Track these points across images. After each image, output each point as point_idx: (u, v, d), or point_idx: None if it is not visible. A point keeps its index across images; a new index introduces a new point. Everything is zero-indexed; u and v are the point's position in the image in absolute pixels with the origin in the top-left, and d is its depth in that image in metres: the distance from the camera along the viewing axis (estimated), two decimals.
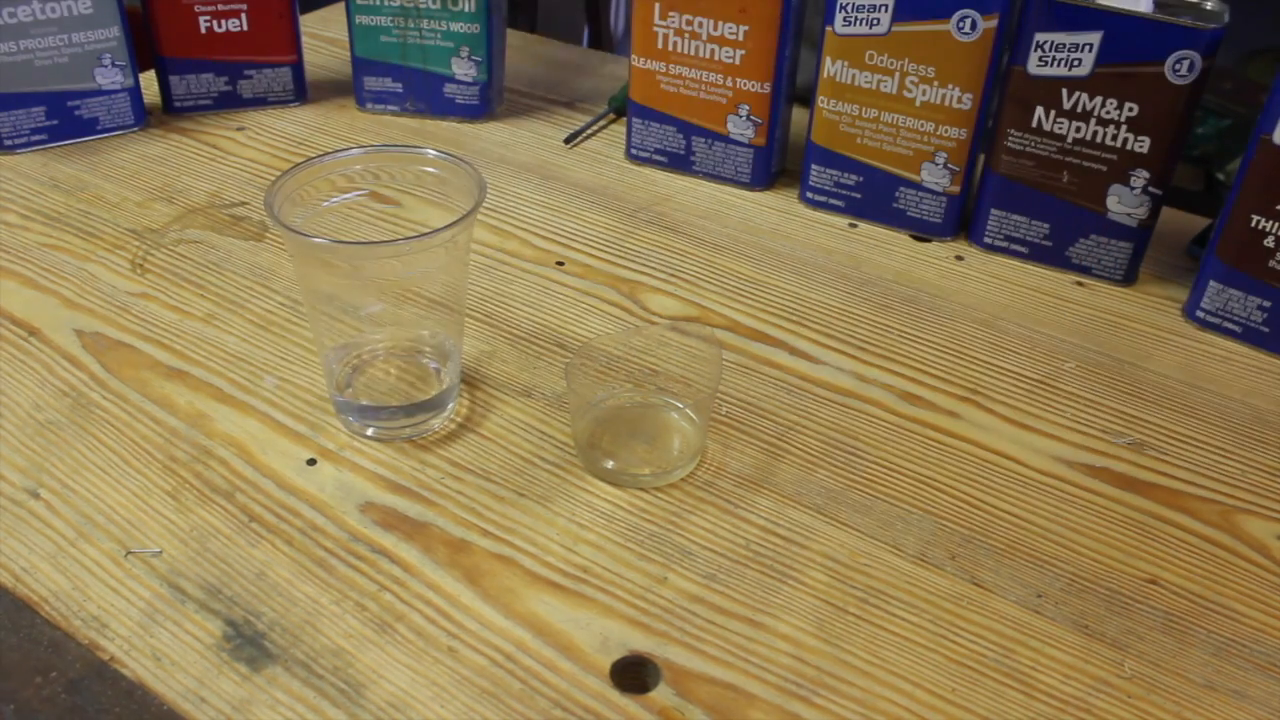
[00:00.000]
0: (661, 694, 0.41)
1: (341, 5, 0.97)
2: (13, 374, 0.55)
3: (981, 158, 0.68)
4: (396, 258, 0.48)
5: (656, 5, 0.71)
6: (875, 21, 0.65)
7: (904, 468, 0.52)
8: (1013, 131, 0.65)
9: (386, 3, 0.79)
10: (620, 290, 0.64)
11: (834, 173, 0.72)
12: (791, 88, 0.73)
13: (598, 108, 0.87)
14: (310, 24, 1.01)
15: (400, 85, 0.82)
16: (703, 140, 0.75)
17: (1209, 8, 0.59)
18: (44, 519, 0.47)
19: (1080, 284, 0.67)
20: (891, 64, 0.66)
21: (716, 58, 0.71)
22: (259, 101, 0.83)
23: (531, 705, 0.40)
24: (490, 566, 0.45)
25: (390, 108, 0.84)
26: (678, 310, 0.63)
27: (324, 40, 0.97)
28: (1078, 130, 0.63)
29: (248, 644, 0.42)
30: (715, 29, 0.70)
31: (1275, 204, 0.58)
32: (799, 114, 0.76)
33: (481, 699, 0.40)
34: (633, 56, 0.74)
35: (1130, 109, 0.61)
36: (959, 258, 0.69)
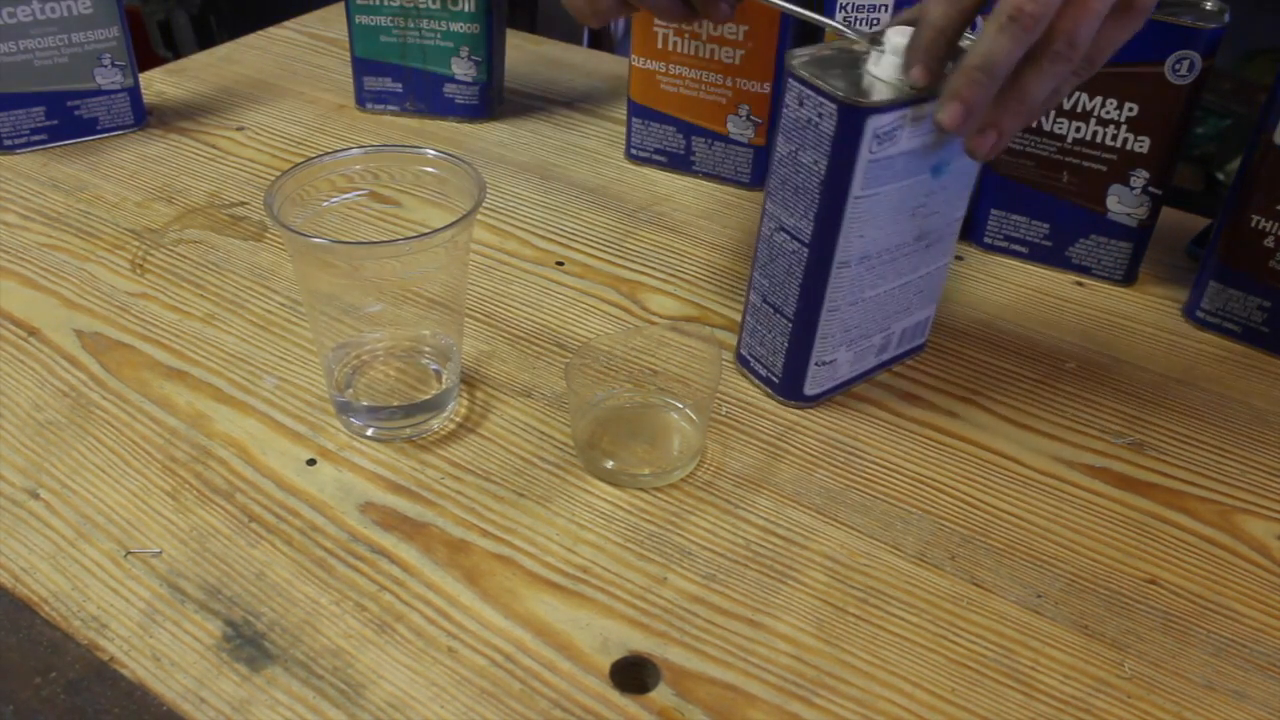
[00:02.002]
0: (661, 694, 0.41)
1: (341, 5, 0.97)
2: (13, 374, 0.55)
3: None
4: (396, 258, 0.48)
5: None
6: (875, 22, 0.65)
7: (904, 468, 0.52)
8: None
9: (386, 3, 0.79)
10: (620, 290, 0.64)
11: None
12: None
13: (598, 108, 0.87)
14: (310, 24, 1.01)
15: (400, 85, 0.82)
16: (703, 140, 0.75)
17: (1209, 8, 0.59)
18: (44, 519, 0.47)
19: (1080, 284, 0.67)
20: None
21: (716, 58, 0.71)
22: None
23: (531, 705, 0.40)
24: (490, 567, 0.45)
25: (390, 108, 0.84)
26: (678, 310, 0.63)
27: (324, 40, 0.97)
28: (1078, 130, 0.63)
29: (247, 644, 0.42)
30: (715, 29, 0.70)
31: (1275, 204, 0.58)
32: None
33: (481, 699, 0.40)
34: (633, 56, 0.74)
35: (1130, 109, 0.61)
36: (959, 258, 0.69)
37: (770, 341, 0.54)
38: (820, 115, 0.47)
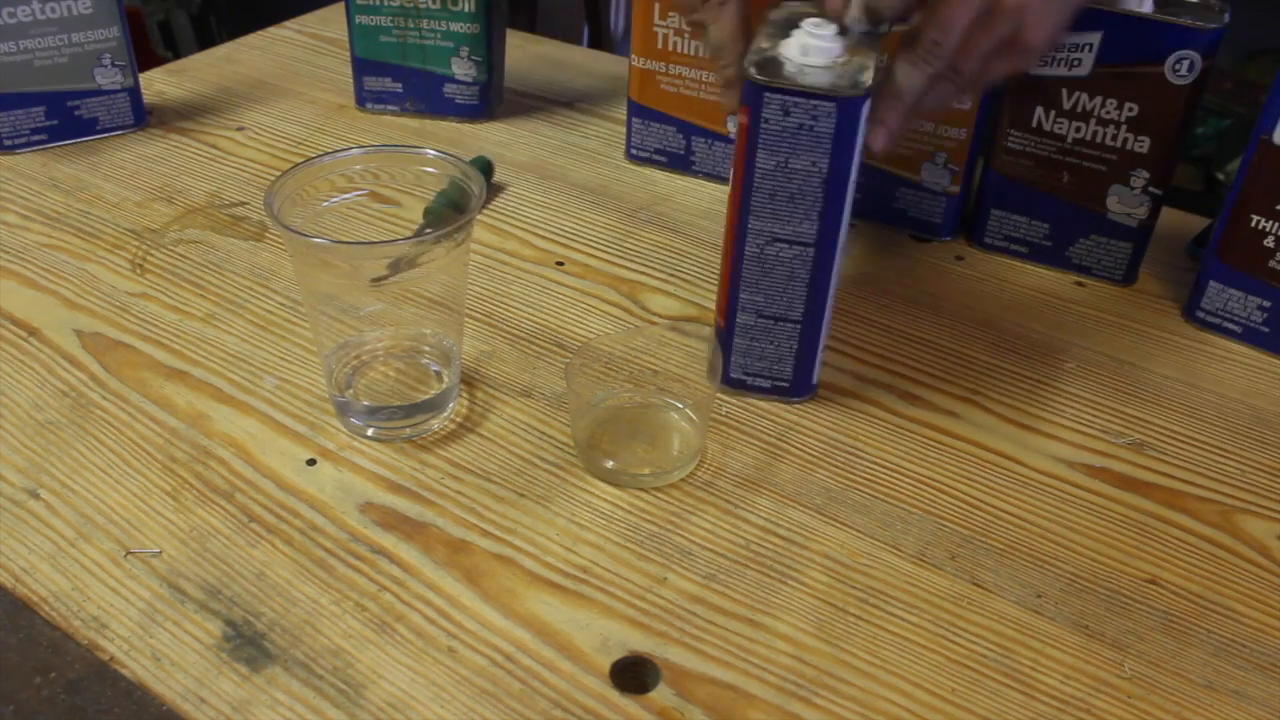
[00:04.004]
0: (661, 694, 0.41)
1: (341, 5, 0.97)
2: (13, 374, 0.55)
3: (981, 158, 0.68)
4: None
5: (656, 5, 0.71)
6: None
7: (904, 468, 0.52)
8: (1013, 131, 0.65)
9: (386, 3, 0.79)
10: (620, 290, 0.64)
11: None
12: None
13: (598, 108, 0.87)
14: (310, 24, 1.01)
15: (400, 85, 0.82)
16: (703, 140, 0.75)
17: (1209, 8, 0.59)
18: (44, 519, 0.47)
19: (1080, 284, 0.67)
20: None
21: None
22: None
23: (531, 705, 0.40)
24: (490, 566, 0.45)
25: (390, 108, 0.84)
26: (678, 310, 0.63)
27: (324, 40, 0.97)
28: (1078, 130, 0.63)
29: (247, 644, 0.42)
30: None
31: (1275, 204, 0.58)
32: None
33: (481, 699, 0.40)
34: (633, 56, 0.74)
35: (1130, 109, 0.61)
36: (959, 258, 0.69)
37: (774, 352, 0.54)
38: (815, 118, 0.46)
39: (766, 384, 0.55)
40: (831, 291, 0.52)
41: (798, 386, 0.55)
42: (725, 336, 0.54)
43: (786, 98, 0.47)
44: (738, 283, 0.52)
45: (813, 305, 0.52)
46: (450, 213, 0.51)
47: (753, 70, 0.47)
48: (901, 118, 0.51)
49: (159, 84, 0.87)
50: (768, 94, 0.47)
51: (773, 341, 0.54)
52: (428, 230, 0.47)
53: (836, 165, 0.48)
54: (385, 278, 0.49)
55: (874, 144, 0.49)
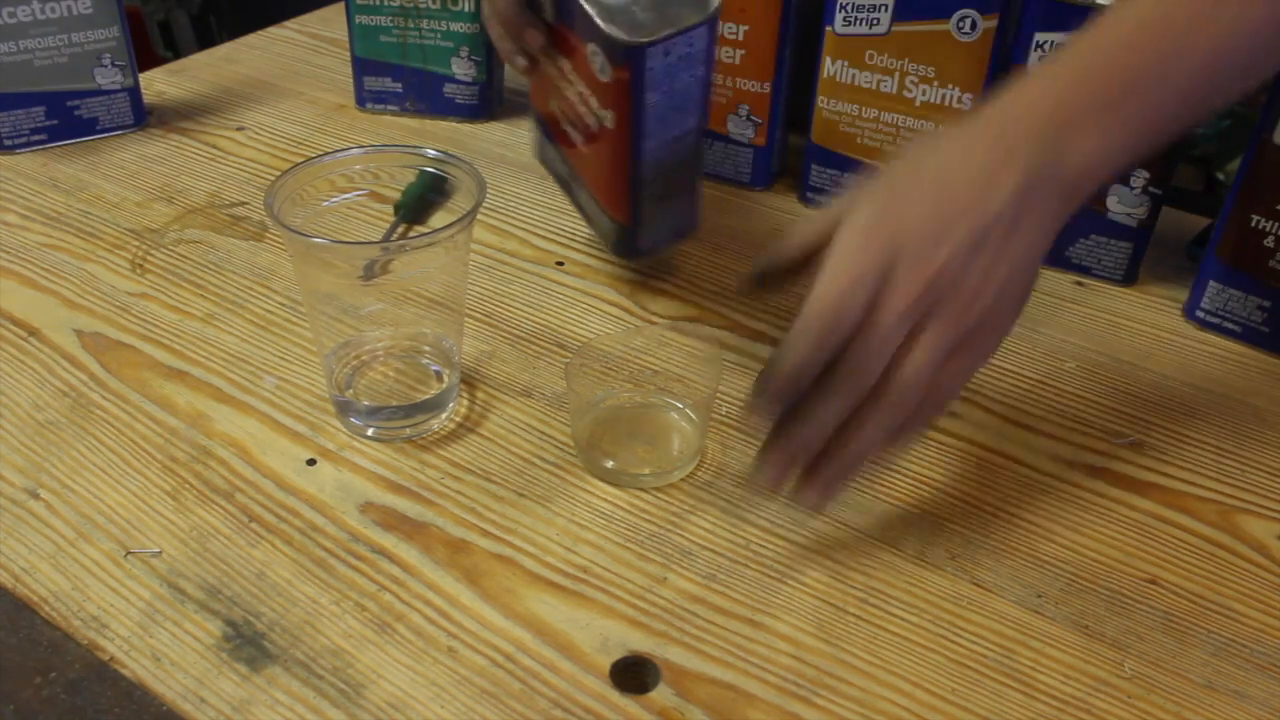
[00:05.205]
0: (661, 694, 0.41)
1: (341, 5, 0.97)
2: (13, 374, 0.55)
3: None
4: (396, 257, 0.48)
5: None
6: (875, 21, 0.65)
7: (904, 468, 0.52)
8: None
9: (386, 3, 0.79)
10: (620, 290, 0.64)
11: (834, 172, 0.72)
12: (792, 87, 0.73)
13: None
14: (310, 24, 1.01)
15: (400, 85, 0.82)
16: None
17: None
18: (44, 519, 0.47)
19: (1080, 284, 0.67)
20: (891, 64, 0.66)
21: (716, 58, 0.71)
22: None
23: (531, 705, 0.40)
24: (490, 566, 0.45)
25: (390, 108, 0.84)
26: (678, 310, 0.63)
27: (324, 40, 0.97)
28: None
29: (247, 644, 0.42)
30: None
31: (1275, 204, 0.58)
32: None
33: (481, 699, 0.40)
34: None
35: None
36: None
37: (677, 210, 0.61)
38: (691, 44, 0.52)
39: (670, 236, 0.62)
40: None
41: (692, 223, 0.63)
42: (630, 224, 0.59)
43: (667, 43, 0.50)
44: (640, 183, 0.57)
45: (697, 156, 0.59)
46: (428, 200, 0.52)
47: (620, 33, 0.50)
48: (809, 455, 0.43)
49: (159, 84, 0.87)
50: (650, 48, 0.50)
51: (673, 206, 0.60)
52: (428, 231, 0.47)
53: (708, 65, 0.53)
54: (364, 278, 0.49)
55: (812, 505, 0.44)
